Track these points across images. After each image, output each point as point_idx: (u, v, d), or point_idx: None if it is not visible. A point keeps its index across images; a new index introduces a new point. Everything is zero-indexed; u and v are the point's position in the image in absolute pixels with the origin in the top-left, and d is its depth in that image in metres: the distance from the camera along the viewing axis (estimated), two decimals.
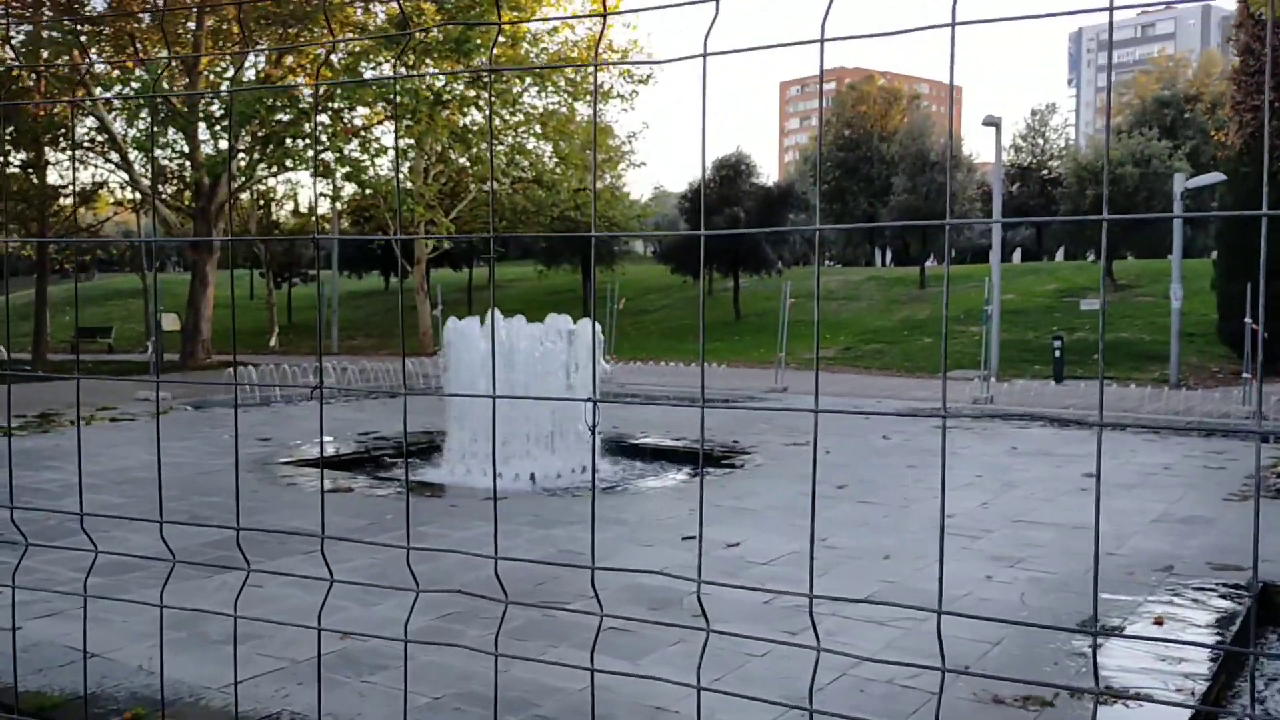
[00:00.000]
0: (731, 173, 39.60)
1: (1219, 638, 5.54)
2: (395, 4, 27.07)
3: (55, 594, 5.89)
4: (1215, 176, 22.61)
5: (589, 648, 5.33)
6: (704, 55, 1.23)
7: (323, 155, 27.45)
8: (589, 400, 1.75)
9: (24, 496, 9.07)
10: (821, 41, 1.11)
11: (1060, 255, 54.19)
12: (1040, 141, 56.83)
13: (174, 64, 26.93)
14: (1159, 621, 5.78)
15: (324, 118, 27.93)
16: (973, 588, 6.54)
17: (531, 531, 8.12)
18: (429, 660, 5.12)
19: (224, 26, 26.25)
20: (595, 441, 1.78)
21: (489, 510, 8.98)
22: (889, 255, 59.97)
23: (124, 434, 13.48)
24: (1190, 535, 8.04)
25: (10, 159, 28.65)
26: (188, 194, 28.40)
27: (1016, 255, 56.54)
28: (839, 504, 9.28)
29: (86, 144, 28.52)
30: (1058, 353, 22.21)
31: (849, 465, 11.35)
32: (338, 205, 37.44)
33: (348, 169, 27.65)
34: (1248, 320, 16.57)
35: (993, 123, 24.04)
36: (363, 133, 28.88)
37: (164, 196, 28.64)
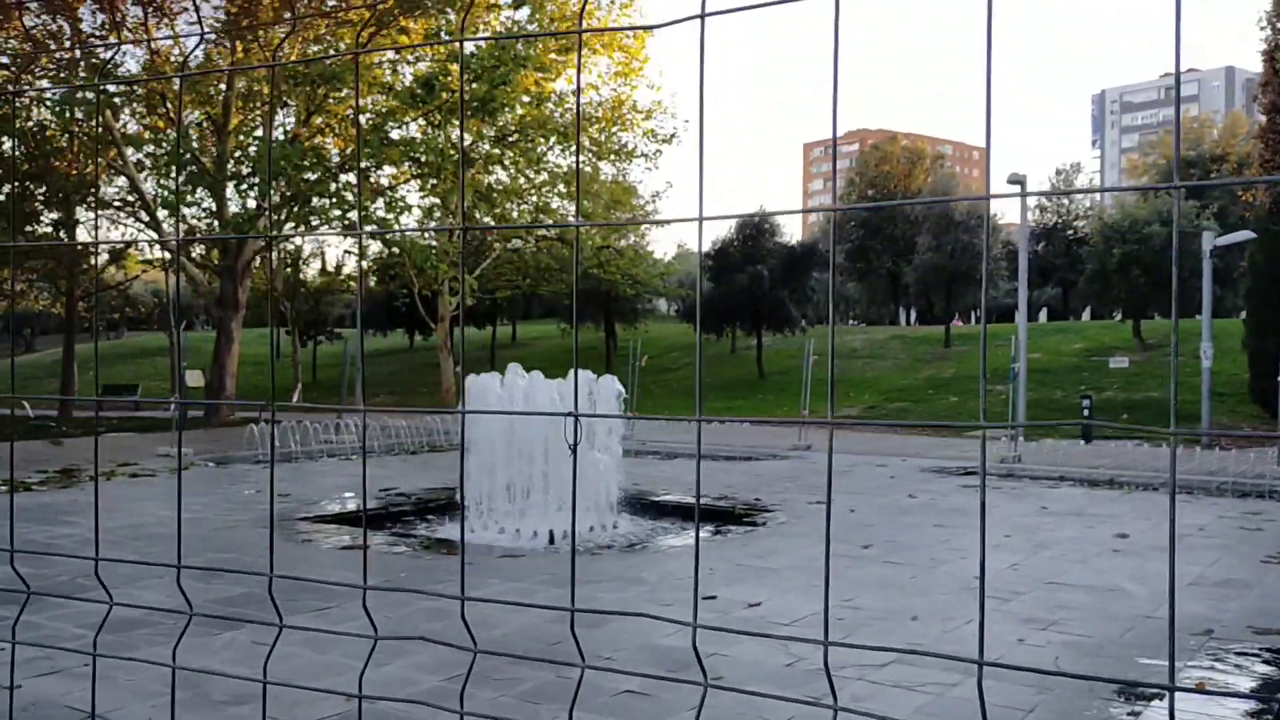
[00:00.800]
0: (754, 231, 39.69)
1: (1268, 707, 5.28)
2: (422, 65, 27.49)
3: (58, 650, 5.76)
4: (1244, 234, 22.40)
5: (604, 712, 5.14)
6: (701, 16, 1.13)
7: (349, 215, 27.71)
8: (570, 415, 1.62)
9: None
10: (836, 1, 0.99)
11: (1087, 315, 53.84)
12: (1065, 201, 56.76)
13: (203, 124, 27.37)
14: (1201, 687, 5.52)
15: (350, 176, 28.26)
16: (1004, 650, 6.29)
17: (547, 590, 7.93)
18: None
19: (254, 88, 26.68)
20: (575, 461, 1.62)
21: (505, 567, 8.82)
22: (913, 314, 59.76)
23: (143, 490, 13.41)
24: (1229, 598, 7.75)
25: (41, 218, 29.12)
26: (215, 251, 28.69)
27: (1043, 315, 56.20)
28: (864, 564, 9.05)
29: (116, 204, 28.95)
30: (1086, 412, 21.88)
31: (874, 525, 11.11)
32: (364, 263, 37.75)
33: (373, 227, 27.87)
34: None
35: (1017, 180, 23.99)
36: (388, 191, 29.18)
37: (193, 256, 28.95)
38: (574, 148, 30.89)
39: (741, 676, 5.69)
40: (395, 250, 31.97)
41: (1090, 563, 9.16)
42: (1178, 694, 5.43)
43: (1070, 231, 53.55)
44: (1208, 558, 9.32)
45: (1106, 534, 10.55)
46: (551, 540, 10.49)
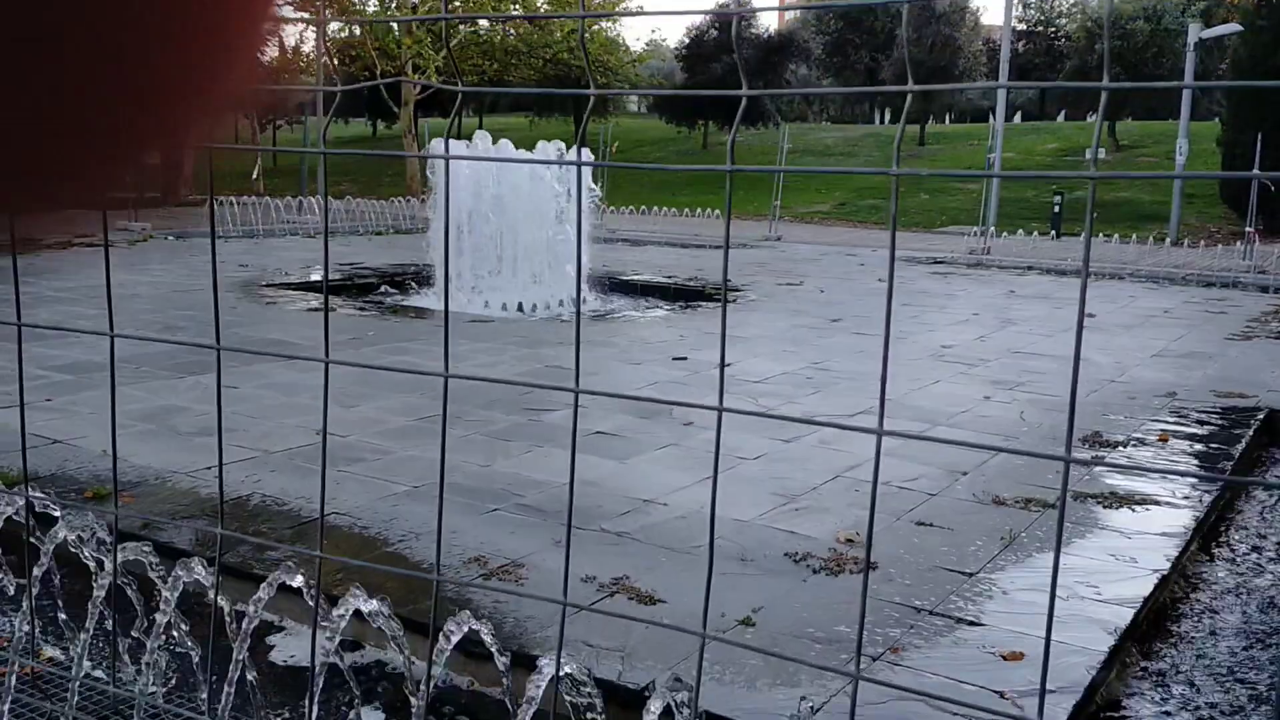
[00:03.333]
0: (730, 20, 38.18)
1: (1226, 453, 5.38)
2: None
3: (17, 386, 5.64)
4: (1231, 27, 21.83)
5: (574, 449, 5.14)
6: None
7: None
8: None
9: None
10: None
11: (1062, 118, 53.07)
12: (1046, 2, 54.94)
13: None
14: (1164, 439, 5.61)
15: None
16: (971, 406, 6.35)
17: (517, 349, 7.89)
18: (409, 454, 4.92)
19: None
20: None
21: (473, 331, 8.74)
22: (888, 114, 58.67)
23: (101, 257, 13.10)
24: (1192, 368, 7.86)
25: None
26: None
27: (1017, 117, 55.26)
28: (834, 335, 9.08)
29: None
30: (1057, 208, 21.81)
31: (844, 303, 11.12)
32: (325, 43, 36.12)
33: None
34: (1255, 171, 16.14)
35: None
36: None
37: None
38: None
39: (710, 423, 5.70)
40: (356, 29, 30.52)
41: (1056, 337, 9.23)
42: (1153, 443, 5.51)
43: (1052, 29, 52.14)
44: (1173, 334, 9.42)
45: (1073, 314, 10.59)
46: (520, 310, 10.41)
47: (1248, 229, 16.52)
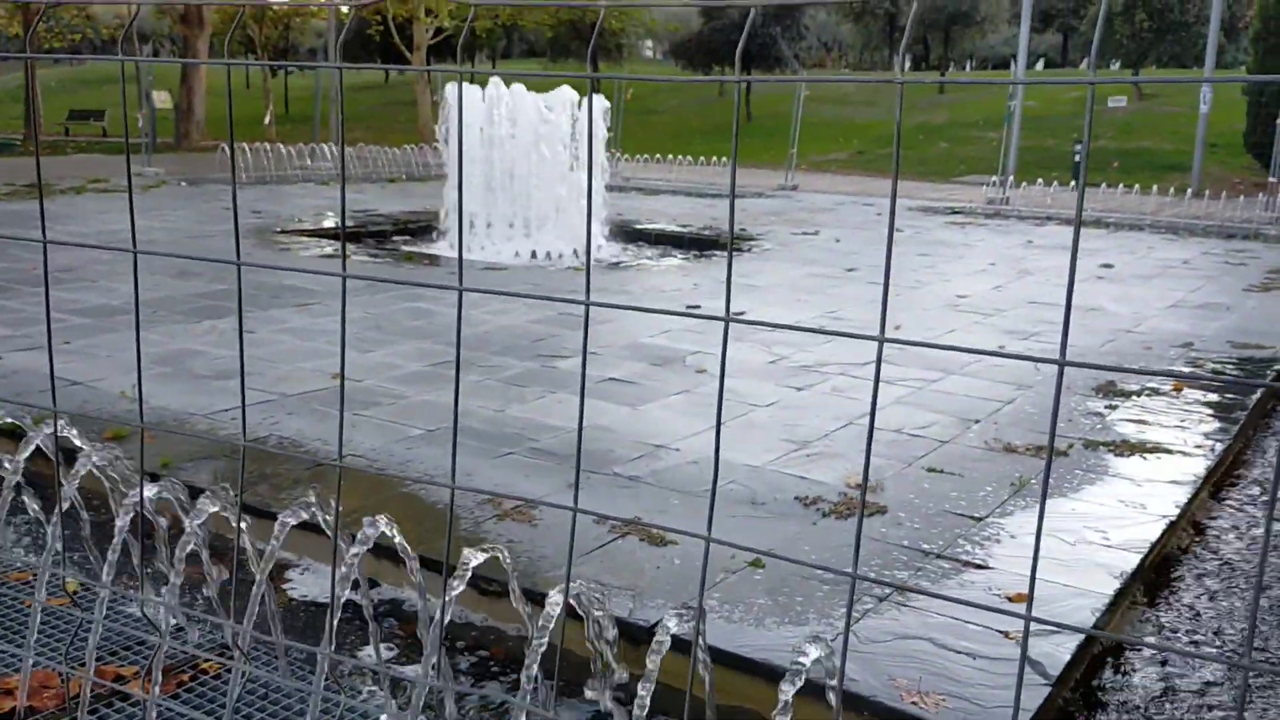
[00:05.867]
0: None
1: (1241, 403, 5.37)
2: None
3: (38, 330, 5.71)
4: None
5: (590, 396, 5.15)
6: None
7: None
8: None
9: (12, 250, 8.83)
10: None
11: (1084, 65, 52.24)
12: None
13: None
14: (1178, 388, 5.60)
15: None
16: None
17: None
18: (423, 399, 4.96)
19: None
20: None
21: (486, 279, 8.75)
22: (908, 60, 57.86)
23: (115, 203, 13.12)
24: (1210, 319, 7.81)
25: None
26: None
27: (1039, 64, 54.45)
28: (849, 285, 9.04)
29: None
30: (1078, 157, 21.56)
31: (859, 252, 11.06)
32: None
33: None
34: None
35: None
36: None
37: None
38: None
39: (728, 370, 5.71)
40: None
41: (1074, 287, 9.16)
42: (1168, 393, 5.49)
43: None
44: (1190, 285, 9.35)
45: (1091, 264, 10.54)
46: (534, 256, 10.40)
47: (1271, 179, 16.30)
